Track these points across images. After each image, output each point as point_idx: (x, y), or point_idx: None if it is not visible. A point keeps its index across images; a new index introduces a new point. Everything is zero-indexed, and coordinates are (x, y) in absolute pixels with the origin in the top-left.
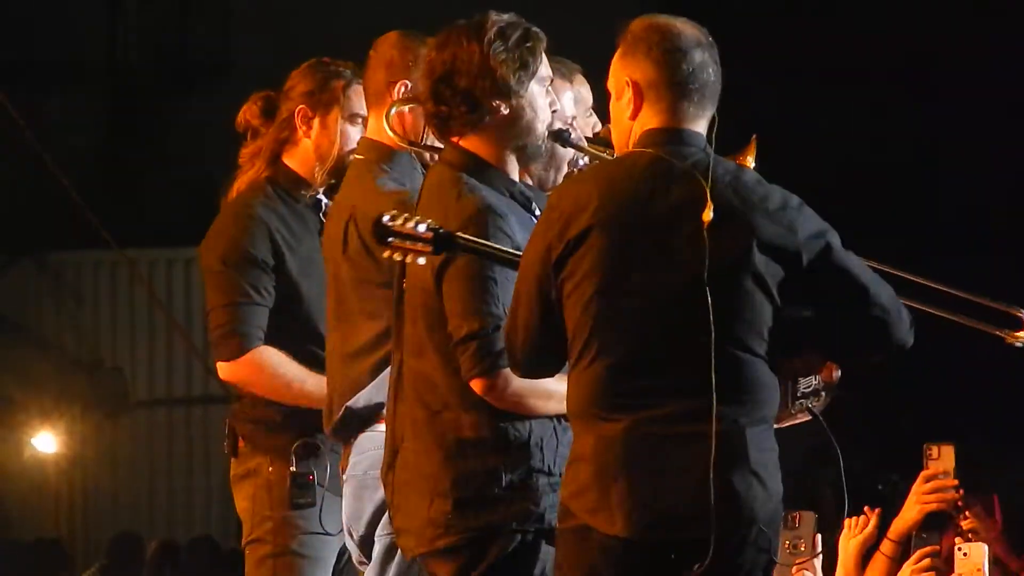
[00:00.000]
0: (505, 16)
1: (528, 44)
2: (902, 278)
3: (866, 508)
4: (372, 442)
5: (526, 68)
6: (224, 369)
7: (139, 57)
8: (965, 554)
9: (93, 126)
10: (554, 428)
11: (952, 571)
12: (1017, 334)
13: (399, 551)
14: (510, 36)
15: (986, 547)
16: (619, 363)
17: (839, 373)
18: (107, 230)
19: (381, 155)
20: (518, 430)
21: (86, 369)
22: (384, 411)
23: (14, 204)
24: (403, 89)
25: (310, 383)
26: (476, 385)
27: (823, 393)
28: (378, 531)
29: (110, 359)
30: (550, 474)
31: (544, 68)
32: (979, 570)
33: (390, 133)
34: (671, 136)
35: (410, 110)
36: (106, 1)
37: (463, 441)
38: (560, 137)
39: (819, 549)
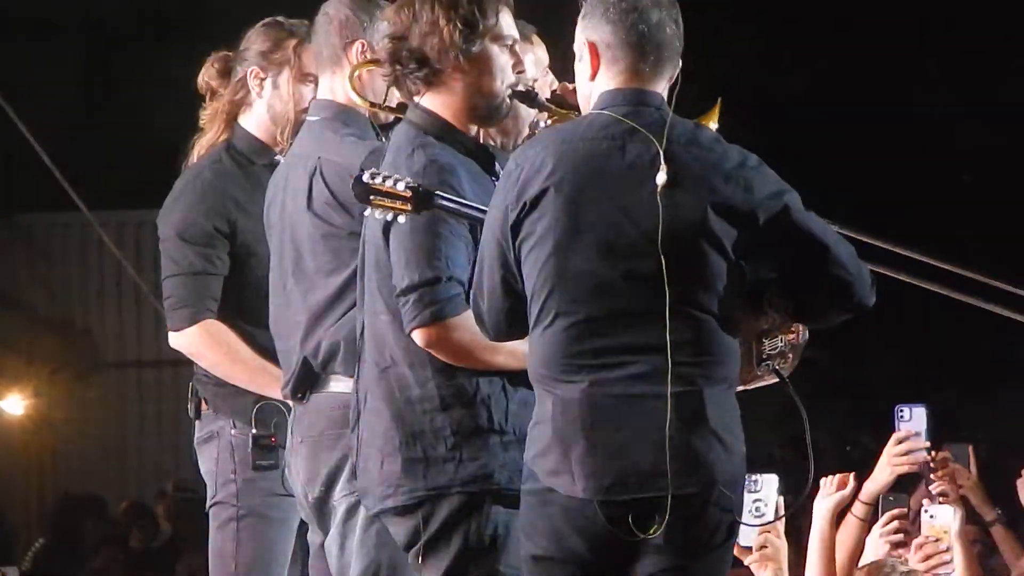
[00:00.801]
0: None
1: (480, 4)
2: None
3: (841, 475)
4: (327, 402)
5: (474, 28)
6: (173, 339)
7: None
8: (932, 516)
9: (64, 87)
10: (503, 386)
11: (919, 533)
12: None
13: (360, 513)
14: None
15: (954, 509)
16: (575, 324)
17: (807, 335)
18: (77, 192)
19: (337, 114)
20: (463, 387)
21: (56, 331)
22: (339, 368)
23: None
24: (360, 48)
25: (253, 364)
26: (417, 336)
27: (790, 355)
28: (338, 493)
29: (80, 321)
30: (501, 432)
31: (505, 28)
32: (946, 532)
33: (352, 95)
34: (628, 97)
35: (369, 70)
36: None
37: (410, 399)
38: (527, 97)
39: (782, 512)
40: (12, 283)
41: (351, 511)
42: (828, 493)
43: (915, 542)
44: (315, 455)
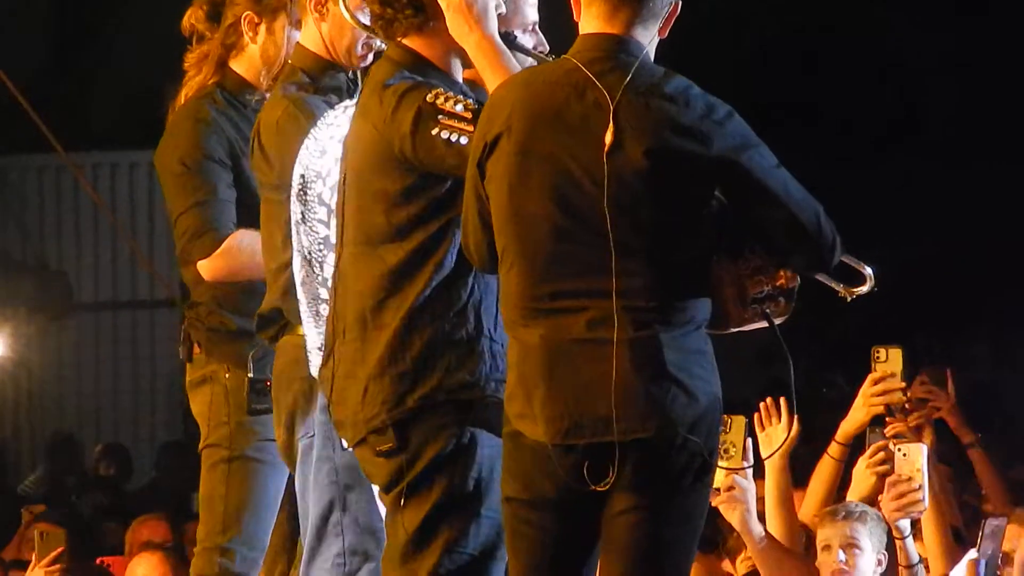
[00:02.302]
0: None
1: None
2: None
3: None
4: (290, 344)
5: None
6: (205, 267)
7: None
8: (904, 454)
9: (38, 28)
10: (496, 295)
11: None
12: (854, 289)
13: (313, 453)
14: None
15: (924, 447)
16: (531, 270)
17: (798, 280)
18: (51, 133)
19: (307, 63)
20: (454, 295)
21: (31, 272)
22: (290, 314)
23: None
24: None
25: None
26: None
27: (781, 299)
28: (297, 433)
29: (55, 263)
30: (491, 339)
31: None
32: (918, 470)
33: (346, 14)
34: (599, 43)
35: (327, 23)
36: None
37: (401, 316)
38: (506, 39)
39: (750, 454)
40: None
41: (307, 451)
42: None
43: (888, 480)
44: (276, 397)
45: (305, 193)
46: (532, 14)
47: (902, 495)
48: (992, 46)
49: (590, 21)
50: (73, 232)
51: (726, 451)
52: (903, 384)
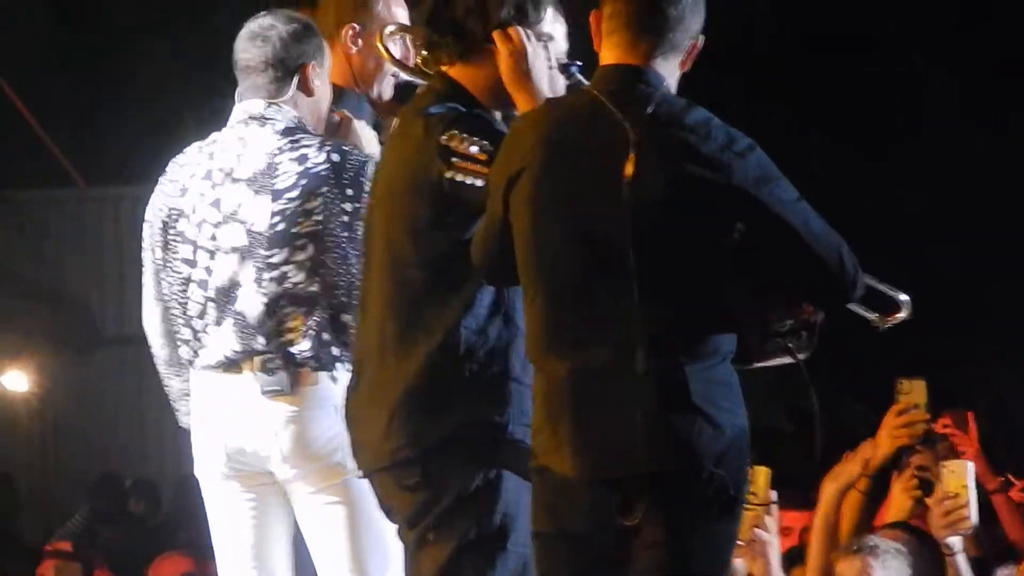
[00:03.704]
0: None
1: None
2: None
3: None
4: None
5: (524, 15)
6: None
7: None
8: (951, 471)
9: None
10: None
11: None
12: (888, 318)
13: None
14: None
15: (970, 464)
16: (555, 302)
17: (821, 314)
18: (73, 167)
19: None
20: (485, 335)
21: (55, 306)
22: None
23: None
24: (351, 32)
25: None
26: None
27: (803, 332)
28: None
29: (78, 296)
30: (519, 381)
31: (547, 25)
32: (964, 486)
33: (382, 50)
34: (619, 73)
35: (357, 52)
36: None
37: (431, 350)
38: (564, 71)
39: (773, 506)
40: (8, 260)
41: None
42: (836, 475)
43: (935, 498)
44: None
45: (165, 236)
46: (562, 44)
47: (949, 512)
48: None
49: (611, 52)
50: (97, 266)
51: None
52: (927, 416)
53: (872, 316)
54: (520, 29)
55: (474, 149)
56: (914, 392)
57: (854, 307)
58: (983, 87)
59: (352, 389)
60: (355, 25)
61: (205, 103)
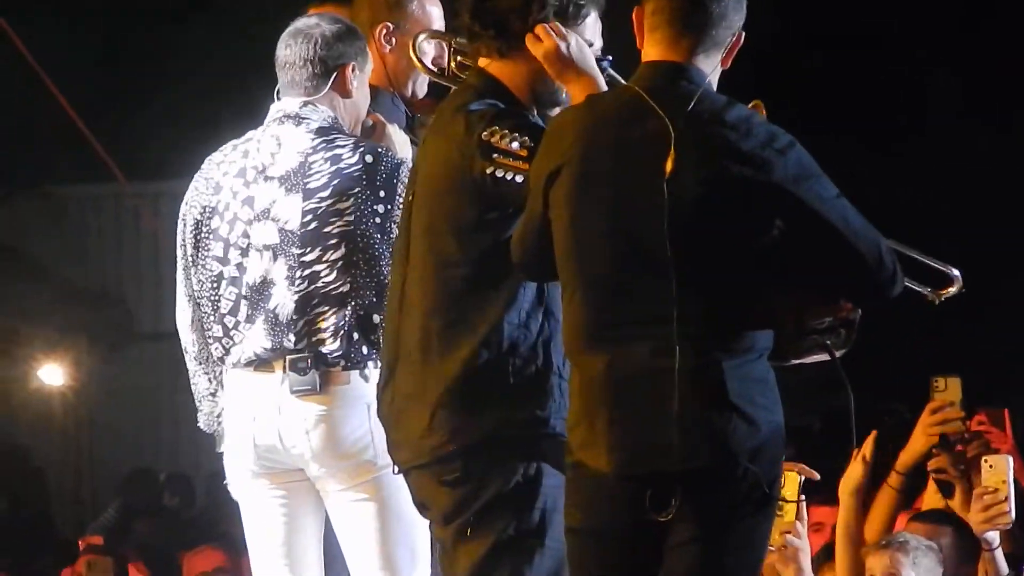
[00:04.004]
0: None
1: (581, 2)
2: None
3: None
4: None
5: (566, 16)
6: None
7: None
8: (992, 466)
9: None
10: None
11: (952, 495)
12: (942, 291)
13: None
14: None
15: (1010, 458)
16: (593, 298)
17: (859, 311)
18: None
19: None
20: (527, 329)
21: (91, 302)
22: None
23: (16, 137)
24: (384, 31)
25: None
26: None
27: (842, 329)
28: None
29: (115, 292)
30: (560, 375)
31: (588, 30)
32: (1004, 481)
33: (416, 62)
34: (661, 70)
35: (391, 51)
36: None
37: (473, 345)
38: (599, 66)
39: (804, 511)
40: (46, 255)
41: None
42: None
43: (975, 492)
44: None
45: (198, 233)
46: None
47: (988, 507)
48: None
49: (653, 48)
50: (133, 262)
51: (778, 507)
52: (962, 413)
53: (926, 291)
54: (548, 26)
55: (515, 145)
56: (949, 390)
57: (908, 283)
58: (986, 85)
59: (383, 387)
60: (389, 24)
61: (244, 100)
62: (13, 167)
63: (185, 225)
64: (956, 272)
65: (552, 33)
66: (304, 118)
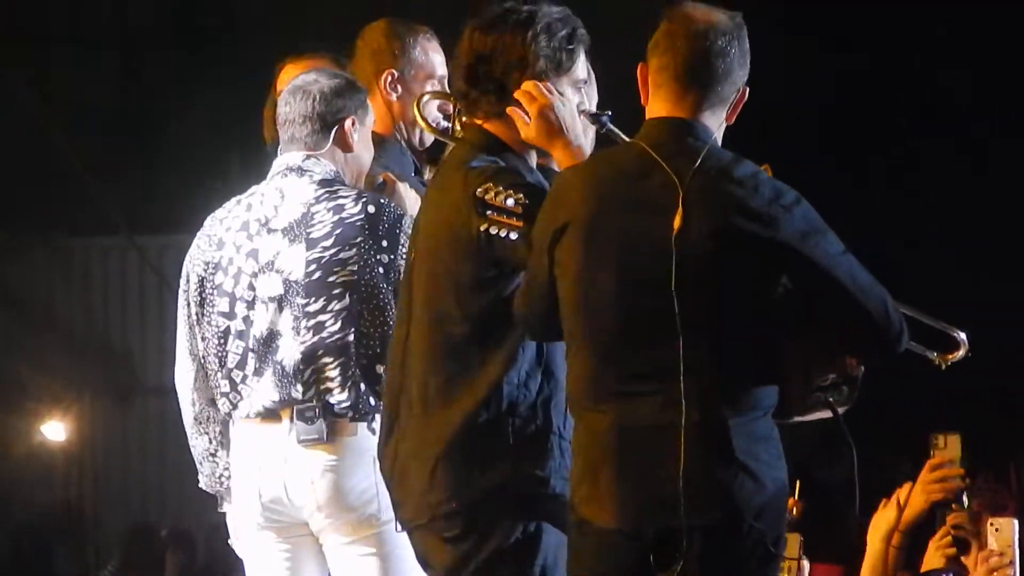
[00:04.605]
0: (556, 11)
1: (570, 46)
2: None
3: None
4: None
5: (560, 68)
6: None
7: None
8: (997, 529)
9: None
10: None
11: (968, 552)
12: (948, 356)
13: None
14: (555, 34)
15: (1016, 522)
16: (599, 353)
17: (863, 368)
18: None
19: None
20: (527, 388)
21: (96, 355)
22: None
23: (23, 187)
24: (389, 78)
25: None
26: None
27: (845, 387)
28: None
29: (120, 345)
30: (560, 436)
31: (580, 71)
32: (1009, 545)
33: (421, 121)
34: (667, 127)
35: (397, 99)
36: None
37: (475, 403)
38: (596, 120)
39: (804, 572)
40: (52, 306)
41: None
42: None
43: (980, 555)
44: None
45: (202, 291)
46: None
47: (994, 570)
48: None
49: (658, 105)
50: (138, 314)
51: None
52: (962, 471)
53: (931, 355)
54: (540, 84)
55: (510, 202)
56: (949, 447)
57: (913, 347)
58: (995, 86)
59: (384, 443)
60: (393, 71)
61: (249, 154)
62: (20, 217)
63: (189, 283)
64: (963, 336)
65: (541, 94)
66: (307, 170)
